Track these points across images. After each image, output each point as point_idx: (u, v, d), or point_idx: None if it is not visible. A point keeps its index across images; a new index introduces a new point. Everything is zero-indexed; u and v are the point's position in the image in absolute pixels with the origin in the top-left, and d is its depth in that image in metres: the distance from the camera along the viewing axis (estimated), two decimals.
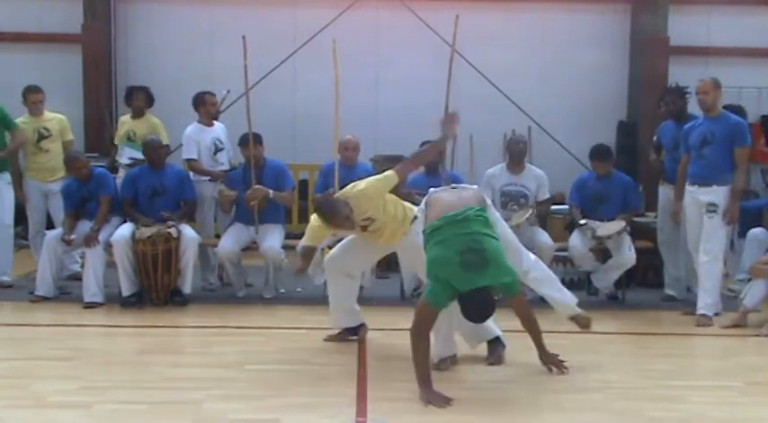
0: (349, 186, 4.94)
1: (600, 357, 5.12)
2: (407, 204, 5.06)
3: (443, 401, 4.02)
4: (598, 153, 6.85)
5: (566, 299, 4.90)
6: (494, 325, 4.84)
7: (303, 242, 5.09)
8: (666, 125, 6.80)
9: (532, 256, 4.93)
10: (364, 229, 4.87)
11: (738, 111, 7.01)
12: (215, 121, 7.26)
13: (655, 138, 7.09)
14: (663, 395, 4.30)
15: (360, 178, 6.71)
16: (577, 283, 7.19)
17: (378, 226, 4.88)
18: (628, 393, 4.34)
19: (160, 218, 6.45)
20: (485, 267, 4.09)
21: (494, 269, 4.12)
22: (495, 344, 4.90)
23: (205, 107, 7.13)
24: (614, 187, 6.73)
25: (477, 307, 4.12)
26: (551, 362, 4.64)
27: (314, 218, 4.92)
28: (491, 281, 4.12)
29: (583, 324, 4.95)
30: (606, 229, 6.44)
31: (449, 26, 6.85)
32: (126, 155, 7.76)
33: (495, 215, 4.61)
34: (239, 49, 6.64)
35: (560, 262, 7.16)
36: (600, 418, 3.95)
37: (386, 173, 4.85)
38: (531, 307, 4.57)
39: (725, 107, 6.26)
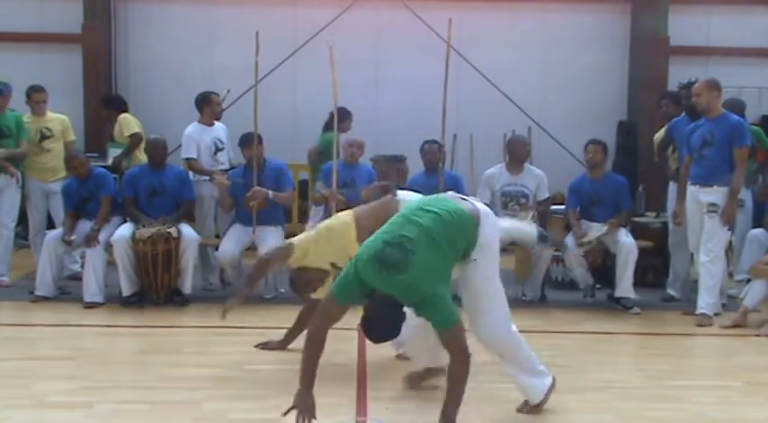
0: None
1: (600, 357, 5.13)
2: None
3: (308, 412, 3.49)
4: (593, 140, 6.85)
5: (536, 384, 3.94)
6: None
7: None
8: (679, 121, 6.71)
9: (514, 327, 3.81)
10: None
11: (738, 105, 6.97)
12: (216, 121, 7.27)
13: (660, 137, 7.05)
14: (663, 395, 4.31)
15: (362, 178, 6.80)
16: (577, 284, 7.17)
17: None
18: (628, 393, 4.35)
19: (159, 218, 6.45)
20: (400, 269, 3.27)
21: (413, 276, 3.28)
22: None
23: (210, 107, 7.17)
24: (607, 189, 6.67)
25: (376, 315, 3.37)
26: None
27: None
28: (399, 291, 3.32)
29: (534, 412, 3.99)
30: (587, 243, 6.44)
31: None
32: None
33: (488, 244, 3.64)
34: (239, 48, 6.64)
35: (560, 262, 7.15)
36: (600, 419, 3.96)
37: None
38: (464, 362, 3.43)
39: (726, 100, 6.21)
